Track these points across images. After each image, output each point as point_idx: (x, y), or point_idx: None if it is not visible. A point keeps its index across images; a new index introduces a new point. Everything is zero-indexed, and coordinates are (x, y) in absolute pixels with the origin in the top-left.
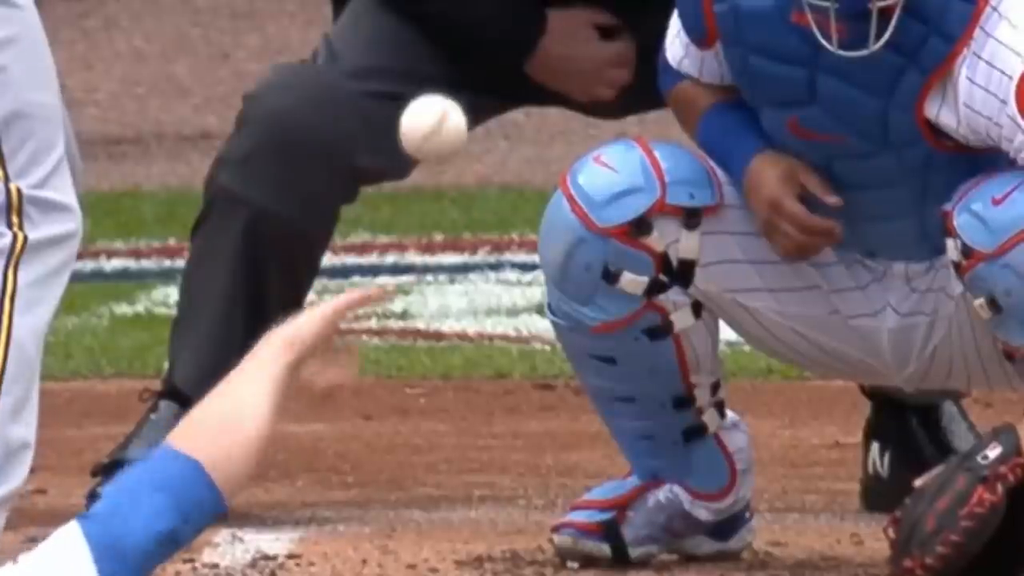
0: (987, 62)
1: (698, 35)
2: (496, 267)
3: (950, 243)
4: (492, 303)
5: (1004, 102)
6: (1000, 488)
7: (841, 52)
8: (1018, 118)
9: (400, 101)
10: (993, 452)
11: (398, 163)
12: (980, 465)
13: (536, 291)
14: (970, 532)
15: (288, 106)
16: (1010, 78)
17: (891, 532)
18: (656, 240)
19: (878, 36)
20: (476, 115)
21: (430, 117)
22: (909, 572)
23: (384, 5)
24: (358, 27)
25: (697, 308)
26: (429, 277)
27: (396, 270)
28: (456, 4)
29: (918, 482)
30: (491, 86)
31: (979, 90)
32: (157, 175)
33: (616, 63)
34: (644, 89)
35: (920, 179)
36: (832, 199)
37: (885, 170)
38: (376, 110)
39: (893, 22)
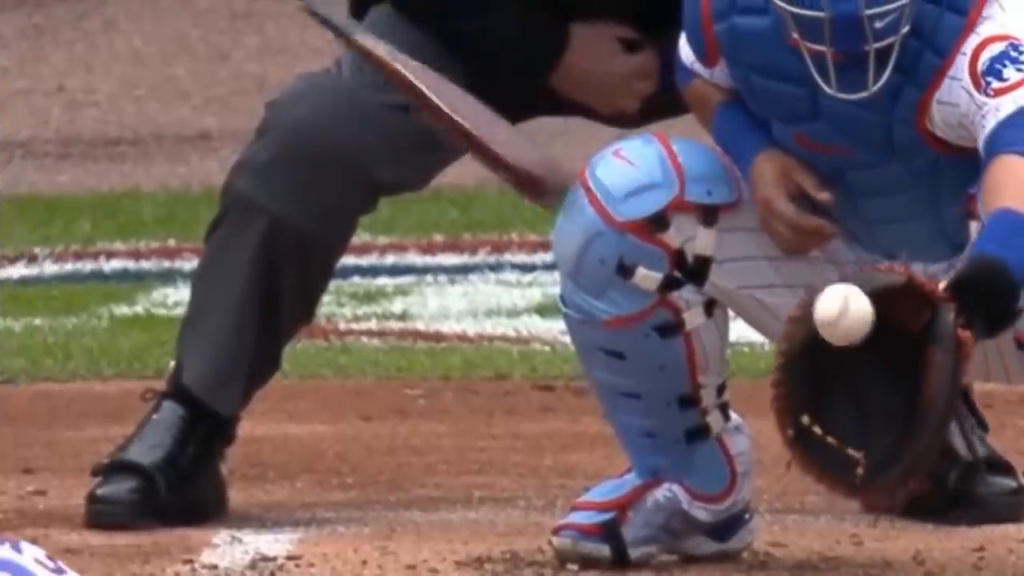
0: (961, 53)
1: (701, 55)
2: (496, 268)
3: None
4: (492, 304)
5: (959, 79)
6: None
7: (840, 95)
8: (970, 87)
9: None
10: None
11: (416, 175)
12: None
13: (536, 292)
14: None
15: (310, 115)
16: (965, 55)
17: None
18: (672, 236)
19: (877, 73)
20: None
21: (835, 304)
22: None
23: (406, 19)
24: (382, 39)
25: (709, 307)
26: (429, 278)
27: (396, 271)
28: (477, 21)
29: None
30: (514, 98)
31: (947, 80)
32: (156, 176)
33: (640, 75)
34: (665, 98)
35: (931, 183)
36: (823, 195)
37: (896, 178)
38: (397, 122)
39: (893, 58)
